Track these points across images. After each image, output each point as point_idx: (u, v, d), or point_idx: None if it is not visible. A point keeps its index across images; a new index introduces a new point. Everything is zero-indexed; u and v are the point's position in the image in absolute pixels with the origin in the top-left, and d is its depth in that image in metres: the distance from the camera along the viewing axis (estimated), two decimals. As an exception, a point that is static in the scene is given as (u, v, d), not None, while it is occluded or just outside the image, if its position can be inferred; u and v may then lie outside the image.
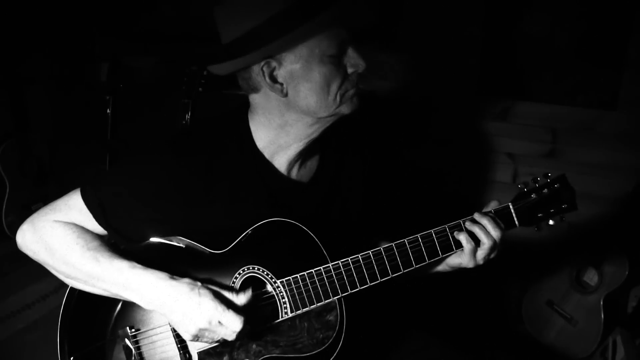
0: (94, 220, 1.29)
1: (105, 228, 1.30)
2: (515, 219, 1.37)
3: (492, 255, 1.37)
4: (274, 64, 1.25)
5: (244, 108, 1.38)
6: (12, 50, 2.99)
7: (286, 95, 1.27)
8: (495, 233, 1.33)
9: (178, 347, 1.30)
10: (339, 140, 1.46)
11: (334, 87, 1.25)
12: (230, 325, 1.20)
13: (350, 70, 1.27)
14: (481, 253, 1.35)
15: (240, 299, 1.25)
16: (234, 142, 1.34)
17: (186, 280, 1.24)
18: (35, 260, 1.32)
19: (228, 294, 1.25)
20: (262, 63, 1.24)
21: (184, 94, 2.59)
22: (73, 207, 1.30)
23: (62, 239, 1.27)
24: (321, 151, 1.44)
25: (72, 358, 1.32)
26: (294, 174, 1.40)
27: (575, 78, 2.55)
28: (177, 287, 1.22)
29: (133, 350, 1.31)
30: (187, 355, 1.30)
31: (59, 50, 3.34)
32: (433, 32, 2.73)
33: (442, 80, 2.79)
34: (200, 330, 1.21)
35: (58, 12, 3.26)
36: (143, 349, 1.32)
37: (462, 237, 1.33)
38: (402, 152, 2.88)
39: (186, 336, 1.23)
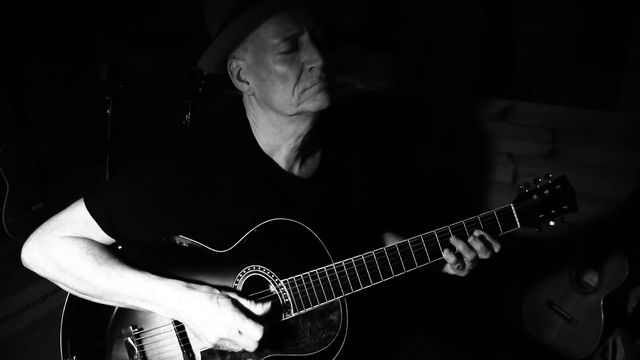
0: (101, 230, 1.27)
1: (113, 237, 1.28)
2: (516, 219, 1.38)
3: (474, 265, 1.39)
4: (240, 63, 1.27)
5: (242, 107, 1.38)
6: (12, 51, 2.99)
7: (254, 93, 1.29)
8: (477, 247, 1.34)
9: (181, 347, 1.30)
10: (340, 139, 1.46)
11: (289, 85, 1.24)
12: (251, 334, 1.20)
13: (308, 67, 1.24)
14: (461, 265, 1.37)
15: (259, 309, 1.25)
16: (236, 140, 1.34)
17: (204, 288, 1.25)
18: (44, 277, 1.30)
19: (247, 303, 1.25)
20: (229, 62, 1.28)
21: (184, 95, 2.59)
22: (78, 220, 1.28)
23: (71, 257, 1.25)
24: (322, 150, 1.44)
25: (74, 357, 1.32)
26: (295, 171, 1.40)
27: (575, 78, 2.55)
28: (195, 296, 1.23)
29: (136, 349, 1.30)
30: (190, 355, 1.30)
31: (58, 50, 3.34)
32: (433, 31, 2.73)
33: (442, 80, 2.79)
34: (221, 339, 1.22)
35: (58, 12, 3.26)
36: (146, 348, 1.31)
37: (445, 252, 1.34)
38: (402, 152, 2.88)
39: (207, 345, 1.24)
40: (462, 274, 1.42)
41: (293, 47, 1.22)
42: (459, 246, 1.33)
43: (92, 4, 3.28)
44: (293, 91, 1.24)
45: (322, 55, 1.22)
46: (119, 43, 3.27)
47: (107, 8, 3.27)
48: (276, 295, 1.31)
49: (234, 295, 1.26)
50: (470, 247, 1.34)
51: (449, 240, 1.34)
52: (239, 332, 1.21)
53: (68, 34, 3.33)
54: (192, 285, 1.26)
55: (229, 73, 1.31)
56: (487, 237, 1.35)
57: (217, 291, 1.25)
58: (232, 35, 1.23)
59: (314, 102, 1.26)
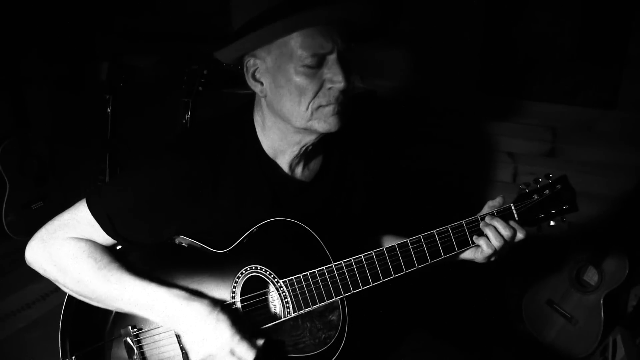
0: (103, 231, 1.28)
1: (114, 237, 1.28)
2: (516, 219, 1.38)
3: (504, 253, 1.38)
4: (257, 62, 1.25)
5: (249, 107, 1.38)
6: (13, 50, 2.99)
7: (266, 96, 1.27)
8: (506, 233, 1.34)
9: (180, 347, 1.30)
10: (342, 140, 1.46)
11: (305, 98, 1.22)
12: (243, 357, 1.20)
13: (328, 85, 1.22)
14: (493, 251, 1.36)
15: (258, 335, 1.25)
16: (239, 141, 1.33)
17: (206, 301, 1.24)
18: (45, 277, 1.31)
19: (246, 324, 1.24)
20: (248, 59, 1.25)
21: (184, 93, 2.59)
22: (81, 221, 1.27)
23: (73, 259, 1.25)
24: (324, 151, 1.44)
25: (73, 357, 1.32)
26: (297, 174, 1.40)
27: (575, 77, 2.55)
28: (194, 308, 1.22)
29: (135, 349, 1.30)
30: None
31: (59, 49, 3.34)
32: (433, 30, 2.73)
33: (442, 79, 2.79)
34: (210, 356, 1.20)
35: (58, 12, 3.26)
36: (145, 348, 1.31)
37: (482, 241, 1.34)
38: (403, 152, 2.88)
39: (194, 358, 1.23)
40: (490, 251, 1.37)
41: (319, 64, 1.20)
42: (499, 225, 1.34)
43: (92, 3, 3.28)
44: (308, 106, 1.23)
45: (345, 77, 1.21)
46: (119, 42, 3.27)
47: (108, 7, 3.27)
48: (276, 295, 1.30)
49: (235, 313, 1.24)
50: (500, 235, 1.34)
51: (455, 235, 1.34)
52: (232, 352, 1.20)
53: (68, 33, 3.33)
54: (193, 296, 1.24)
55: (245, 69, 1.27)
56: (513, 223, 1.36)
57: (219, 306, 1.24)
58: (265, 36, 1.18)
59: (324, 124, 1.25)
